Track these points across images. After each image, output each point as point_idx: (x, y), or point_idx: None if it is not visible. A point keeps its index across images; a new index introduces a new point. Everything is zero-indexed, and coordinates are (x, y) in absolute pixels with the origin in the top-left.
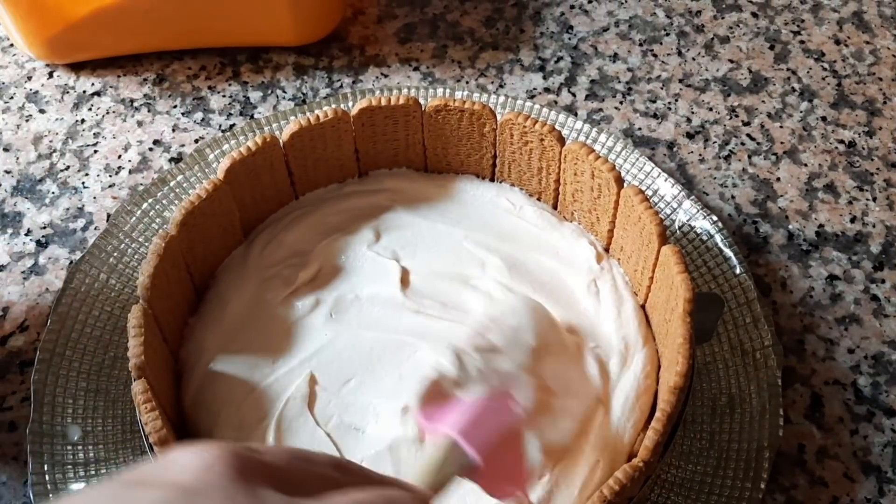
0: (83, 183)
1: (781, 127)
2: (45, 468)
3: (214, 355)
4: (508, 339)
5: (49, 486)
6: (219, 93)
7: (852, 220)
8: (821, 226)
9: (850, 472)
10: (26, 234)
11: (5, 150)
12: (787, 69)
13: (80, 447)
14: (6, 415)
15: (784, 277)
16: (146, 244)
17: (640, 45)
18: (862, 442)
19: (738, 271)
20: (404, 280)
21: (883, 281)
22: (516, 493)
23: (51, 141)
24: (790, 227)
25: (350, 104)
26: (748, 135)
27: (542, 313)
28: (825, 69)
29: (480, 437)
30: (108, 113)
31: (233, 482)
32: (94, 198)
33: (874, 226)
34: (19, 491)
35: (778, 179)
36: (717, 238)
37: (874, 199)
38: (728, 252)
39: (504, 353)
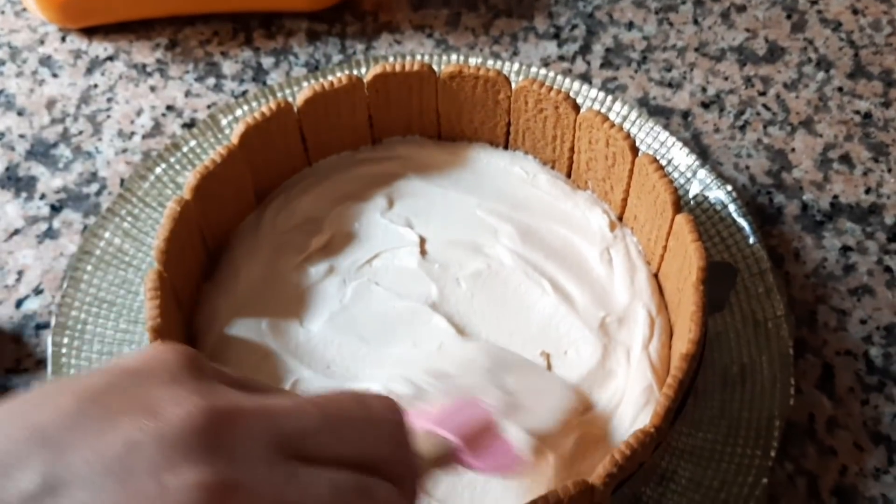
0: (96, 148)
1: (797, 97)
2: None
3: (228, 320)
4: (460, 367)
5: None
6: (231, 59)
7: (867, 192)
8: (835, 197)
9: (860, 441)
10: (40, 199)
11: (19, 114)
12: (804, 39)
13: None
14: (22, 377)
15: (797, 248)
16: (159, 209)
17: (656, 13)
18: (872, 412)
19: (751, 241)
20: (422, 248)
21: None
22: (511, 468)
23: (64, 105)
24: (804, 197)
25: (363, 70)
26: (764, 105)
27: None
28: (842, 39)
29: (453, 423)
30: (120, 78)
31: (182, 368)
32: (108, 162)
33: (889, 197)
34: None
35: (793, 150)
36: (731, 208)
37: (889, 171)
38: (742, 222)
39: (458, 376)
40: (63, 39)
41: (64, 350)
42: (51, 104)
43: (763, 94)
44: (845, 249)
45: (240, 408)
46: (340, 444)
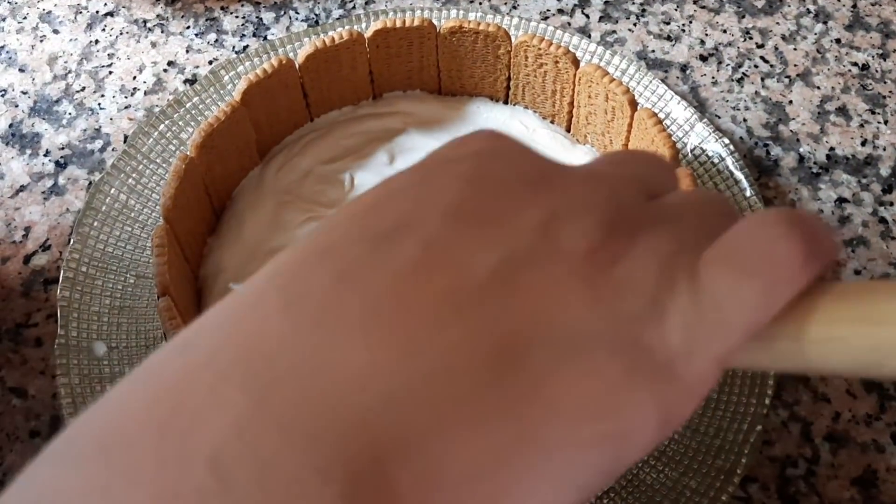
0: (99, 104)
1: (795, 49)
2: (74, 382)
3: (233, 273)
4: None
5: (77, 399)
6: (231, 13)
7: (863, 143)
8: (832, 149)
9: (853, 389)
10: (45, 155)
11: (21, 70)
12: None
13: (105, 362)
14: (32, 331)
15: (794, 200)
16: (164, 165)
17: None
18: None
19: (748, 194)
20: None
21: (891, 203)
22: None
23: (66, 62)
24: (801, 149)
25: (364, 25)
26: (762, 57)
27: None
28: None
29: None
30: (121, 34)
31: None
32: (111, 119)
33: (885, 149)
34: (48, 403)
35: (790, 102)
36: (729, 161)
37: (885, 123)
38: (739, 175)
39: None
40: None
41: (73, 305)
42: (52, 60)
43: (761, 46)
44: (841, 201)
45: (599, 171)
46: (659, 178)
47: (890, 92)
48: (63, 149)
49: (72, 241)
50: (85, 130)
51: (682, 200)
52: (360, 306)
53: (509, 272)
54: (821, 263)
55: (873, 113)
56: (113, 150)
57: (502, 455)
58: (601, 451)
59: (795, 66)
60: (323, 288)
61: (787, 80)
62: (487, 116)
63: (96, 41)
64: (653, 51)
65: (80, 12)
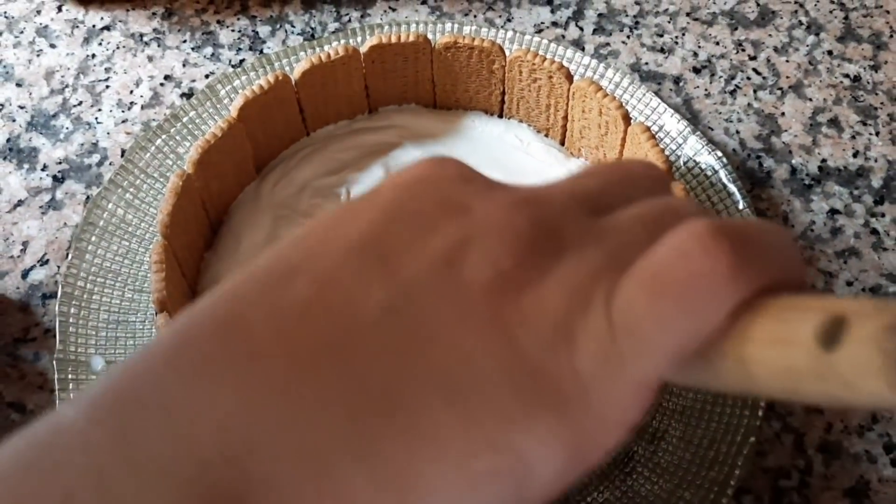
0: (96, 118)
1: (787, 61)
2: (72, 397)
3: None
4: None
5: None
6: (228, 27)
7: (855, 155)
8: (823, 160)
9: None
10: (42, 170)
11: (18, 85)
12: (795, 2)
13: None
14: (30, 346)
15: (786, 212)
16: (161, 180)
17: None
18: None
19: (741, 206)
20: None
21: (883, 215)
22: None
23: (63, 76)
24: (793, 161)
25: (359, 39)
26: (754, 69)
27: None
28: (832, 2)
29: None
30: (118, 48)
31: (462, 170)
32: (108, 133)
33: (876, 160)
34: None
35: (783, 114)
36: (722, 174)
37: (877, 134)
38: (732, 187)
39: None
40: (59, 9)
41: (72, 320)
42: (49, 75)
43: (753, 58)
44: (833, 212)
45: (537, 191)
46: (627, 190)
47: (882, 103)
48: (60, 163)
49: (70, 255)
50: (82, 145)
51: (638, 211)
52: (245, 351)
53: (401, 308)
54: (761, 276)
55: (865, 124)
56: (110, 164)
57: (376, 498)
58: (496, 486)
59: (788, 77)
60: (208, 335)
61: (779, 92)
62: (482, 130)
63: (93, 55)
64: (646, 63)
65: (77, 26)
